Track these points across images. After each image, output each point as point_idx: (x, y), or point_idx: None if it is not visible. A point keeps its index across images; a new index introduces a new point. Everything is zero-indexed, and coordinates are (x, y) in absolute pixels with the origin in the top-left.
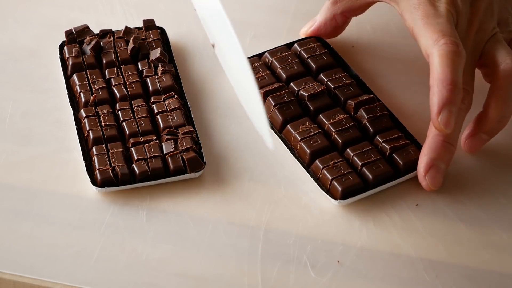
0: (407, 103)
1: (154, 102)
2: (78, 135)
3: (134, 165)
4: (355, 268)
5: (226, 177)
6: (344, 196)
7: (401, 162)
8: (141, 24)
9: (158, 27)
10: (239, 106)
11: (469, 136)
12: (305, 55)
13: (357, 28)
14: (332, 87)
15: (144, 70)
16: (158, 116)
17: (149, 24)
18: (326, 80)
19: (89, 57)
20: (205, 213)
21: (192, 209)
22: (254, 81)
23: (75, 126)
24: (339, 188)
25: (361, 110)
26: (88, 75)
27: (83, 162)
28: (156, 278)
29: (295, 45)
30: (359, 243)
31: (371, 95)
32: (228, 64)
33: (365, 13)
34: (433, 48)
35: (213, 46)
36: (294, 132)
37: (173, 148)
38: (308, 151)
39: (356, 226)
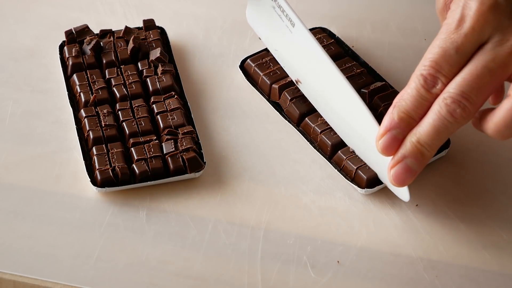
0: None
1: (154, 102)
2: (78, 135)
3: (134, 165)
4: (355, 268)
5: (226, 177)
6: (369, 184)
7: None
8: (141, 24)
9: (158, 27)
10: (239, 106)
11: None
12: None
13: (357, 28)
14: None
15: (144, 70)
16: (158, 116)
17: (149, 24)
18: None
19: (89, 57)
20: (205, 213)
21: (192, 209)
22: (369, 112)
23: (75, 126)
24: (364, 177)
25: (376, 98)
26: (88, 75)
27: (83, 162)
28: (156, 278)
29: None
30: (359, 243)
31: (384, 82)
32: (324, 98)
33: (365, 13)
34: (416, 71)
35: (297, 82)
36: (313, 125)
37: (173, 148)
38: (329, 142)
39: (356, 226)
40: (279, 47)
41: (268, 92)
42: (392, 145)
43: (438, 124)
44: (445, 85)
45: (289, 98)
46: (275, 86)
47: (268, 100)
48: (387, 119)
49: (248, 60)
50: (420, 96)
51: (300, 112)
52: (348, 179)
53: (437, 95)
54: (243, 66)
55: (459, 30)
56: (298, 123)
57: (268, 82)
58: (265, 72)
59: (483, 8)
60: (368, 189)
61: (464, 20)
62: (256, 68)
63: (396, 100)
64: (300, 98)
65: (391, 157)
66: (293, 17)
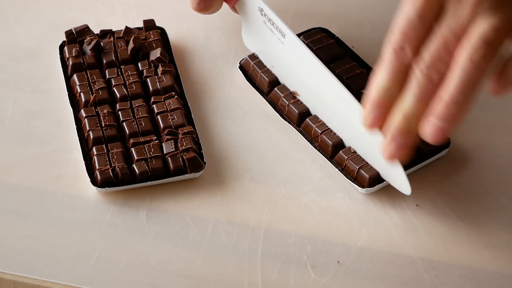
0: None
1: (154, 102)
2: (78, 135)
3: (134, 165)
4: (355, 268)
5: (226, 177)
6: (372, 183)
7: (423, 146)
8: (141, 24)
9: (158, 27)
10: (239, 107)
11: None
12: (312, 47)
13: (357, 28)
14: (344, 77)
15: (144, 70)
16: (158, 116)
17: (149, 24)
18: (337, 71)
19: (89, 57)
20: (205, 213)
21: (192, 209)
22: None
23: (75, 126)
24: (367, 176)
25: None
26: (88, 75)
27: (83, 162)
28: (156, 278)
29: (301, 37)
30: (359, 243)
31: None
32: (322, 104)
33: (365, 13)
34: (386, 44)
35: (295, 94)
36: (314, 126)
37: (173, 148)
38: (330, 143)
39: (356, 226)
40: (275, 63)
41: (267, 90)
42: (375, 121)
43: (420, 92)
44: (413, 52)
45: (287, 103)
46: (277, 91)
47: (267, 99)
48: (368, 96)
49: (247, 57)
50: (393, 68)
51: (299, 112)
52: (349, 179)
53: (409, 63)
54: (242, 65)
55: None
56: (298, 124)
57: (267, 79)
58: (263, 70)
59: None
60: (368, 189)
61: None
62: (255, 66)
63: (374, 77)
64: (298, 100)
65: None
66: (283, 27)
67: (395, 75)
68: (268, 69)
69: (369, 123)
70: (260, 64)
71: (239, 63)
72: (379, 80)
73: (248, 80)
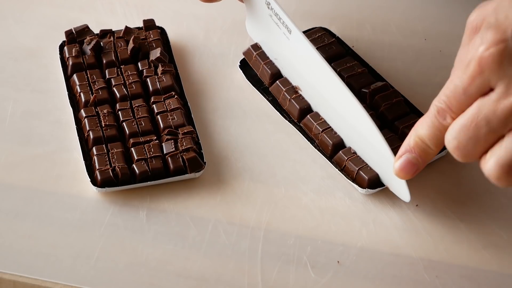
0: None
1: (154, 102)
2: (78, 135)
3: (134, 165)
4: (355, 269)
5: (226, 177)
6: (371, 185)
7: None
8: (141, 24)
9: (158, 27)
10: (239, 106)
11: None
12: (314, 46)
13: (357, 28)
14: (345, 76)
15: (144, 70)
16: (158, 116)
17: (149, 24)
18: (338, 69)
19: (89, 57)
20: (205, 213)
21: (192, 209)
22: (370, 118)
23: (75, 126)
24: (366, 178)
25: (377, 98)
26: (88, 75)
27: (83, 162)
28: (156, 278)
29: None
30: (359, 243)
31: (384, 82)
32: (324, 102)
33: (365, 13)
34: (435, 100)
35: (296, 89)
36: (315, 123)
37: (173, 148)
38: (330, 142)
39: (356, 226)
40: (278, 56)
41: (269, 82)
42: (407, 169)
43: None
44: (453, 119)
45: (289, 98)
46: (279, 84)
47: (267, 97)
48: (405, 142)
49: (249, 46)
50: (433, 125)
51: (300, 107)
52: (349, 179)
53: (447, 127)
54: (243, 55)
55: (467, 71)
56: (299, 120)
57: (269, 71)
58: (266, 61)
59: (485, 54)
60: (369, 189)
61: (471, 61)
62: (257, 56)
63: (416, 124)
64: (300, 94)
65: (393, 158)
66: (289, 24)
67: (433, 131)
68: (270, 61)
69: (399, 166)
70: (263, 55)
71: (240, 62)
72: (419, 129)
73: (247, 75)
